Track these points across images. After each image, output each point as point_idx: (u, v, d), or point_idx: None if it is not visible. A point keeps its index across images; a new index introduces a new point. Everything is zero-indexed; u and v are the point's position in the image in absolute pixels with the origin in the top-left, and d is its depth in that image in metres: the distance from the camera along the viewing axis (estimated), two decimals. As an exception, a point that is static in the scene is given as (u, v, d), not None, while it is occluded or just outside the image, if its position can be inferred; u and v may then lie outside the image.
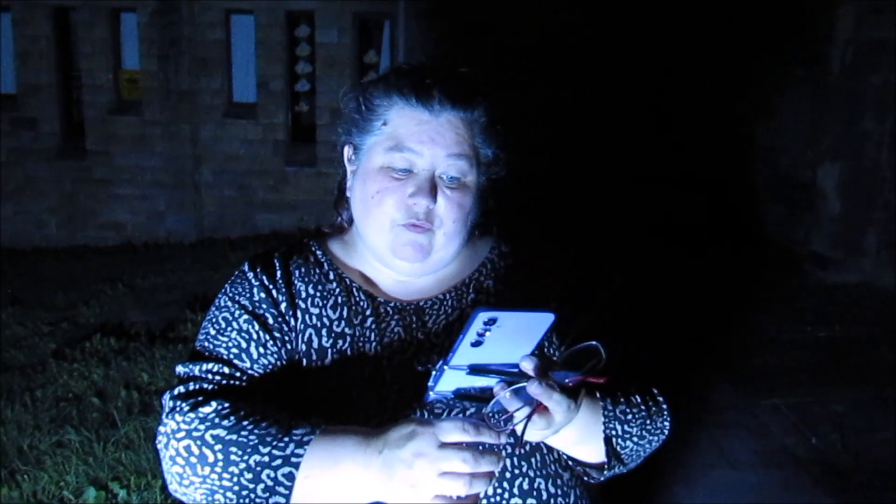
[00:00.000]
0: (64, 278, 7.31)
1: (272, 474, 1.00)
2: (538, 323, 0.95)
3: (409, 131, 1.14)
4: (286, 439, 1.01)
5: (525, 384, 0.96)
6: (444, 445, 0.93)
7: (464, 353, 0.93)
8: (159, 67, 9.13)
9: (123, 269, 7.47)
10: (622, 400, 1.17)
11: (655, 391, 1.21)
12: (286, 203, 9.37)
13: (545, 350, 1.13)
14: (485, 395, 0.98)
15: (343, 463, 0.98)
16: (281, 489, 0.99)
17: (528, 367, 0.97)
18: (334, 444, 1.00)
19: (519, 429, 0.97)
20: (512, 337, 0.93)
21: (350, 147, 1.22)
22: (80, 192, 9.52)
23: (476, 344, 0.92)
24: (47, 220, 9.62)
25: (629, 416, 1.17)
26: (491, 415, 0.96)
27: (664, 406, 1.22)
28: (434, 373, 0.98)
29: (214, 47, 9.20)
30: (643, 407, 1.19)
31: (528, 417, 0.96)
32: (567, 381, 0.99)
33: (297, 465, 1.00)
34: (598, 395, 1.09)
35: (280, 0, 9.09)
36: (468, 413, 1.08)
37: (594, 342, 0.98)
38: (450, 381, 0.96)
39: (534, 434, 1.00)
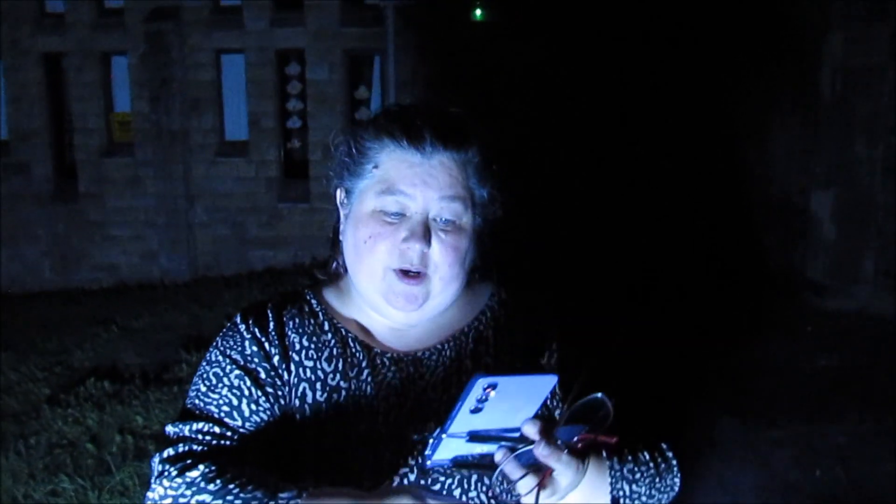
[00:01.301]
0: (57, 322, 7.26)
1: None
2: (540, 385, 0.92)
3: (400, 174, 1.11)
4: (271, 503, 0.98)
5: (528, 448, 0.93)
6: None
7: (462, 420, 0.90)
8: (151, 109, 9.16)
9: (117, 310, 7.42)
10: (629, 458, 1.13)
11: (664, 446, 1.17)
12: (280, 239, 9.35)
13: (548, 406, 1.10)
14: (484, 463, 0.94)
15: None
16: None
17: (531, 430, 0.93)
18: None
19: (530, 499, 0.93)
20: (512, 401, 0.90)
21: (342, 191, 1.19)
22: (74, 234, 9.48)
23: (475, 410, 0.89)
24: (41, 264, 9.57)
25: (637, 476, 1.12)
26: (498, 483, 0.93)
27: (673, 462, 1.17)
28: (431, 441, 0.94)
29: (205, 87, 9.24)
30: (652, 464, 1.14)
31: (539, 485, 0.93)
32: (575, 439, 0.95)
33: None
34: (604, 453, 1.06)
35: (270, 38, 9.16)
36: (469, 479, 1.05)
37: (599, 395, 0.95)
38: (448, 448, 0.93)
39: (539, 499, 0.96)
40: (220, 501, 0.99)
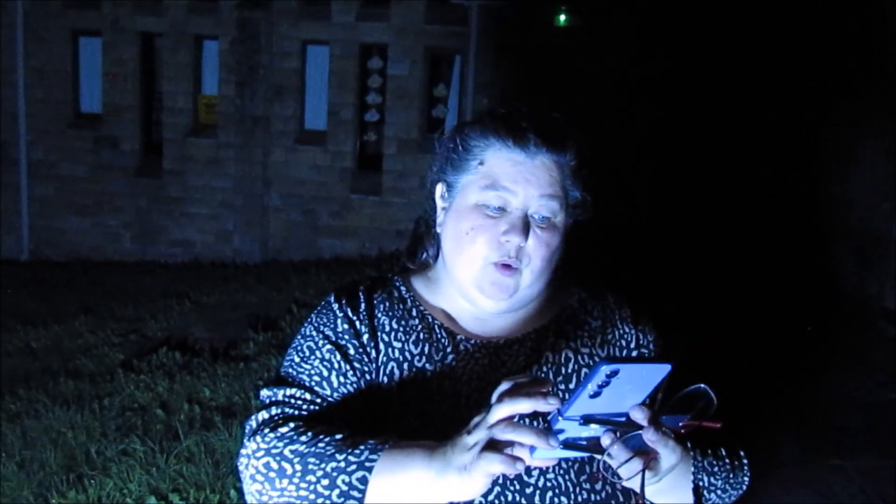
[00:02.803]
0: (134, 291, 7.58)
1: (347, 479, 1.04)
2: (654, 373, 0.95)
3: (504, 171, 1.18)
4: (361, 447, 1.06)
5: (635, 433, 0.96)
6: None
7: (580, 404, 0.94)
8: (236, 93, 9.46)
9: (190, 285, 7.68)
10: (709, 452, 1.18)
11: (737, 446, 1.22)
12: (349, 230, 9.54)
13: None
14: (590, 446, 0.98)
15: (413, 467, 1.03)
16: (355, 493, 1.04)
17: (639, 416, 0.97)
18: (405, 452, 1.05)
19: (636, 481, 0.97)
20: (626, 387, 0.94)
21: (443, 185, 1.26)
22: (154, 209, 9.88)
23: (594, 395, 0.93)
24: (122, 235, 10.00)
25: (715, 469, 1.18)
26: (605, 466, 0.97)
27: (745, 462, 1.23)
28: (547, 422, 0.98)
29: (289, 76, 9.49)
30: (727, 460, 1.20)
31: (644, 470, 0.97)
32: (680, 425, 0.98)
33: (370, 469, 1.04)
34: (688, 444, 1.10)
35: (355, 32, 9.35)
36: (571, 463, 1.11)
37: (702, 385, 0.98)
38: (561, 430, 0.96)
39: (638, 482, 1.00)
40: (313, 448, 1.08)
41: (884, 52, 6.64)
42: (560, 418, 0.95)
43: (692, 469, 1.13)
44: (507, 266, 1.18)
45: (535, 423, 1.04)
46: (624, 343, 1.27)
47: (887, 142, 6.58)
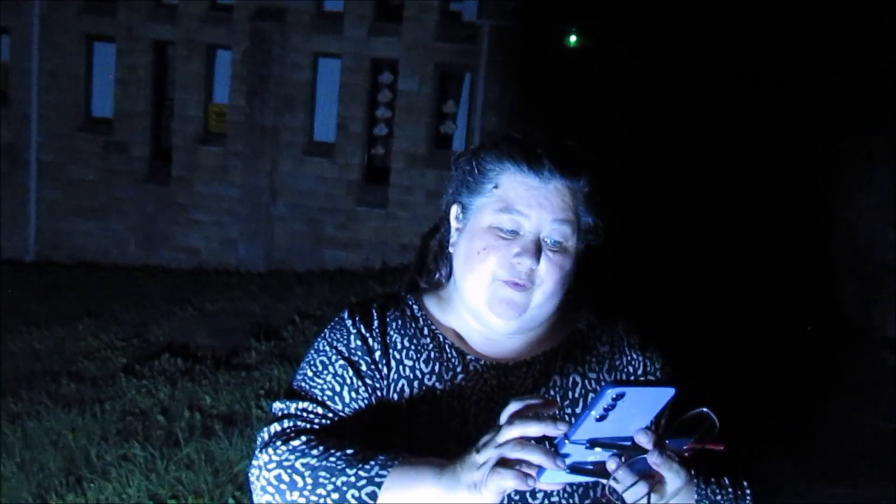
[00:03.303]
0: (138, 296, 7.60)
1: (357, 494, 1.06)
2: (659, 397, 0.96)
3: (518, 195, 1.20)
4: (371, 462, 1.08)
5: (641, 457, 0.97)
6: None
7: (587, 428, 0.95)
8: (246, 103, 9.53)
9: (194, 292, 7.70)
10: (713, 480, 1.19)
11: (740, 475, 1.23)
12: (354, 242, 9.57)
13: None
14: (596, 470, 0.99)
15: (422, 483, 1.05)
16: None
17: (644, 440, 0.98)
18: (415, 468, 1.07)
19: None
20: (631, 411, 0.95)
21: (458, 206, 1.28)
22: (161, 215, 9.92)
23: (600, 419, 0.94)
24: (127, 239, 10.04)
25: (719, 497, 1.19)
26: (610, 490, 0.98)
27: (748, 492, 1.24)
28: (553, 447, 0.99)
29: (300, 87, 9.56)
30: (730, 489, 1.21)
31: (649, 493, 0.98)
32: (684, 448, 1.00)
33: (380, 485, 1.06)
34: (691, 472, 1.12)
35: (366, 47, 9.42)
36: (576, 487, 1.12)
37: (704, 409, 0.99)
38: (567, 454, 0.97)
39: None
40: (324, 462, 1.10)
41: (893, 77, 6.68)
42: (567, 442, 0.96)
43: (695, 497, 1.14)
44: (517, 284, 1.20)
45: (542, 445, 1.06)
46: (631, 370, 1.29)
47: (893, 167, 6.60)
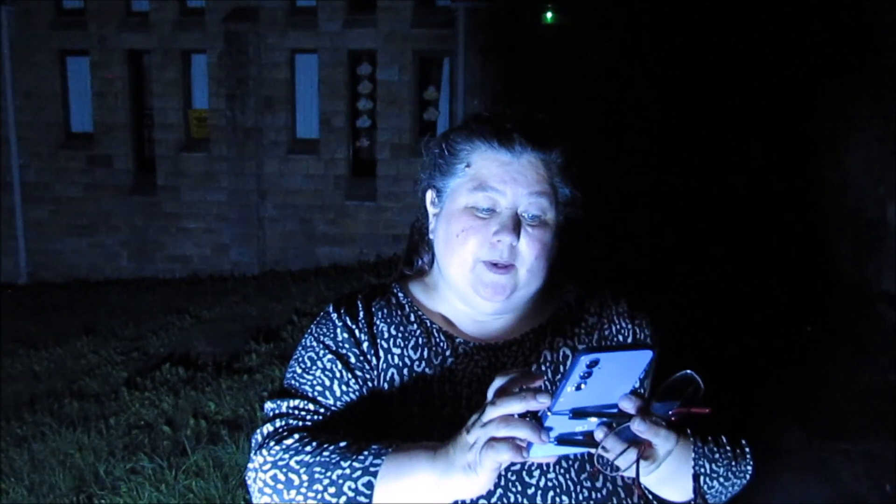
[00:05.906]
0: (134, 309, 7.58)
1: (353, 485, 1.06)
2: (637, 361, 0.95)
3: (491, 172, 1.19)
4: (365, 452, 1.08)
5: (628, 424, 0.97)
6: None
7: (566, 398, 0.94)
8: (227, 106, 9.48)
9: (190, 300, 7.69)
10: (710, 439, 1.19)
11: (738, 435, 1.23)
12: (346, 237, 9.55)
13: (641, 381, 1.15)
14: (585, 440, 0.98)
15: (417, 469, 1.05)
16: (361, 498, 1.06)
17: (628, 405, 0.98)
18: (409, 455, 1.07)
19: (631, 472, 0.98)
20: (611, 377, 0.94)
21: (433, 191, 1.27)
22: (150, 226, 9.89)
23: (578, 388, 0.93)
24: (119, 254, 10.00)
25: (717, 456, 1.19)
26: (600, 459, 0.97)
27: (747, 450, 1.24)
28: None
29: (279, 86, 9.51)
30: (728, 448, 1.21)
31: (638, 459, 0.97)
32: (670, 413, 0.98)
33: (375, 474, 1.06)
34: (688, 431, 1.11)
35: (343, 39, 9.36)
36: (572, 462, 1.12)
37: (689, 371, 0.98)
38: (552, 427, 0.97)
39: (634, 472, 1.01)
40: (318, 458, 1.09)
41: (875, 36, 6.66)
42: (549, 414, 0.95)
43: (692, 456, 1.14)
44: (499, 265, 1.18)
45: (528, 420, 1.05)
46: (621, 338, 1.28)
47: (880, 125, 6.60)
